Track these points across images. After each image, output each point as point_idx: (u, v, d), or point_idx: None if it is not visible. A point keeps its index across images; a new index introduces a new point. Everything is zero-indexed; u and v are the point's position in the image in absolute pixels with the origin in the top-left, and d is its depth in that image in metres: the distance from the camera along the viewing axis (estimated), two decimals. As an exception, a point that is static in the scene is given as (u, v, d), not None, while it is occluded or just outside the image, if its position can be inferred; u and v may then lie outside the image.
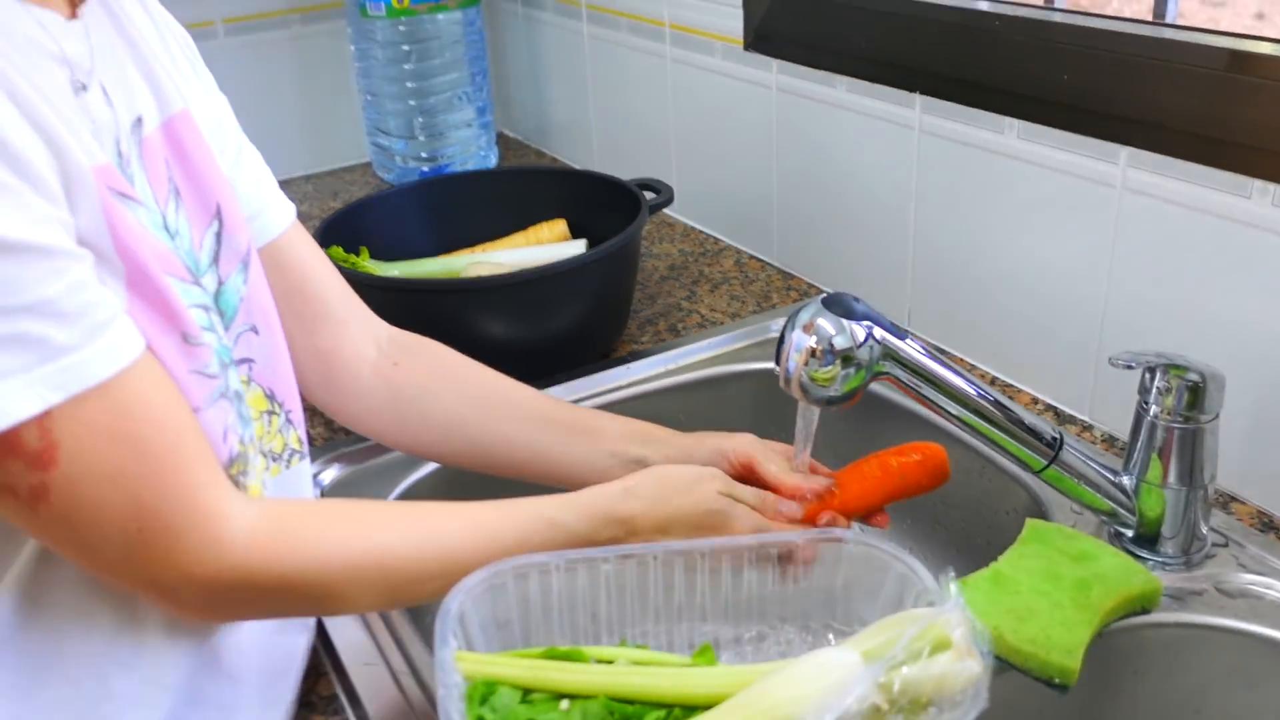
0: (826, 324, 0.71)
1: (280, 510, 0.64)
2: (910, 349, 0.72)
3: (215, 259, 0.69)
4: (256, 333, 0.72)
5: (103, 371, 0.54)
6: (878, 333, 0.71)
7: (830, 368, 0.72)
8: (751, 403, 1.09)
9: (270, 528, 0.61)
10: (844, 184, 1.18)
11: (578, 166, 1.68)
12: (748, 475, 0.77)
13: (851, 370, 0.72)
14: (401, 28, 1.59)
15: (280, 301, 0.76)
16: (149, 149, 0.66)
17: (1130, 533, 0.77)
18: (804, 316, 0.72)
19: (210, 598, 0.60)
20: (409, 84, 1.63)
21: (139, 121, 0.66)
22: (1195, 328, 0.85)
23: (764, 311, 1.20)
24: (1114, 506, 0.76)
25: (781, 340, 0.73)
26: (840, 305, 0.72)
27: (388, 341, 0.84)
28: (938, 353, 0.74)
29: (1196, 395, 0.71)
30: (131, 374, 0.55)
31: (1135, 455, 0.75)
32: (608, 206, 1.20)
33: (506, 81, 1.86)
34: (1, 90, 0.53)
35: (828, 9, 1.14)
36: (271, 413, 0.73)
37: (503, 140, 1.86)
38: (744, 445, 0.78)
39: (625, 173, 1.25)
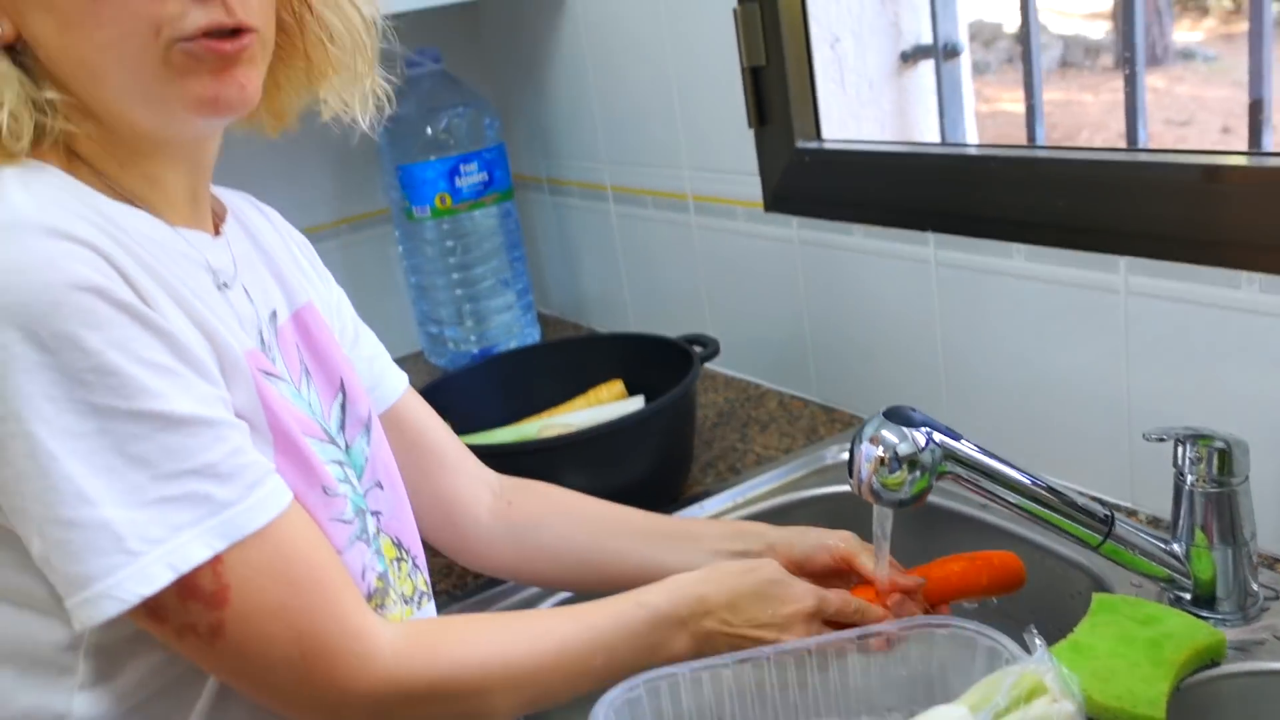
0: (890, 434, 0.81)
1: (418, 625, 0.74)
2: (967, 448, 0.82)
3: (342, 425, 0.81)
4: (382, 488, 0.82)
5: (260, 520, 0.63)
6: (937, 437, 0.81)
7: (898, 473, 0.81)
8: (823, 523, 1.17)
9: (411, 640, 0.70)
10: (872, 319, 1.29)
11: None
12: (845, 568, 0.85)
13: (918, 474, 0.81)
14: (445, 226, 1.75)
15: (402, 456, 0.87)
16: (283, 337, 0.78)
17: (1188, 595, 0.85)
18: (869, 430, 0.82)
19: (369, 710, 0.68)
20: (455, 275, 1.78)
21: (274, 315, 0.78)
22: (1213, 406, 0.94)
23: (814, 444, 1.29)
24: (1169, 572, 0.84)
25: (851, 455, 0.83)
26: (900, 416, 0.82)
27: (499, 484, 0.94)
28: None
29: (1225, 461, 0.80)
30: (284, 521, 0.65)
31: (1180, 522, 0.84)
32: (659, 363, 1.31)
33: (539, 263, 2.01)
34: (165, 293, 0.65)
35: (838, 167, 1.29)
36: (400, 559, 0.83)
37: (540, 317, 1.99)
38: (845, 539, 0.87)
39: (664, 333, 1.37)
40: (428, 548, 0.89)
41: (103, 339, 0.59)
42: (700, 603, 0.78)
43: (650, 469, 1.20)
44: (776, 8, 1.30)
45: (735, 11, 1.33)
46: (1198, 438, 0.81)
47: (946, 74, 1.42)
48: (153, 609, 0.61)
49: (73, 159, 0.68)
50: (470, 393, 1.35)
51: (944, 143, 1.35)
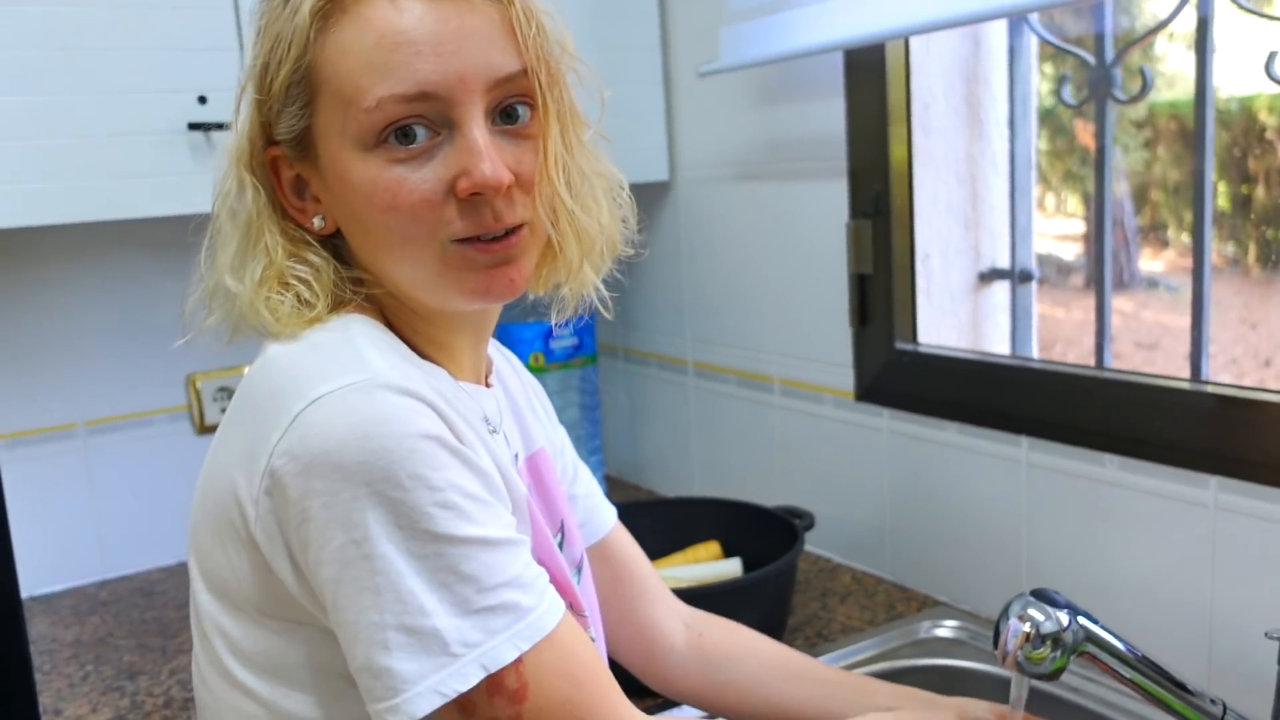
0: (1037, 612, 0.93)
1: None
2: (1104, 632, 0.93)
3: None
4: (588, 619, 0.92)
5: (552, 622, 0.73)
6: (1080, 620, 0.92)
7: (1041, 649, 0.92)
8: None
9: None
10: (957, 509, 1.42)
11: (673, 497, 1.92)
12: None
13: (1059, 652, 0.92)
14: (533, 382, 1.87)
15: (607, 585, 0.97)
16: (521, 478, 0.89)
17: (1285, 784, 0.95)
18: (1017, 607, 0.93)
19: None
20: (536, 428, 1.89)
21: (515, 457, 0.89)
22: (1294, 617, 1.07)
23: (899, 617, 1.40)
24: (1270, 761, 0.95)
25: (998, 628, 0.94)
26: (1045, 597, 0.94)
27: (690, 616, 1.04)
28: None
29: (1327, 663, 0.92)
30: (565, 624, 0.74)
31: (1281, 716, 0.95)
32: (753, 530, 1.43)
33: (605, 424, 2.13)
34: (475, 438, 0.76)
35: (936, 369, 1.44)
36: None
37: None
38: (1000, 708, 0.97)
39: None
40: (618, 669, 0.97)
41: (443, 479, 0.70)
42: None
43: (754, 626, 1.30)
44: (889, 224, 1.47)
45: (849, 225, 1.51)
46: (1304, 639, 0.93)
47: (1019, 295, 1.59)
48: (463, 705, 0.69)
49: (404, 310, 0.81)
50: (581, 541, 1.44)
51: (1042, 359, 1.51)
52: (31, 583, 1.67)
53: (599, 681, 0.75)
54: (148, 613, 1.62)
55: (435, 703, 0.68)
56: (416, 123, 0.72)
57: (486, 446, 0.78)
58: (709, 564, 1.44)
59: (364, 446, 0.68)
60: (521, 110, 0.76)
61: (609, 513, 1.04)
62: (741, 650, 1.04)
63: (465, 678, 0.69)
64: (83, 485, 1.75)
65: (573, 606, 0.83)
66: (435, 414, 0.71)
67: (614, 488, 2.06)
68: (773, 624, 1.33)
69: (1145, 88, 1.36)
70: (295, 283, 0.77)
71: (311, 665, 0.74)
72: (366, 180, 0.73)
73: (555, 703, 0.72)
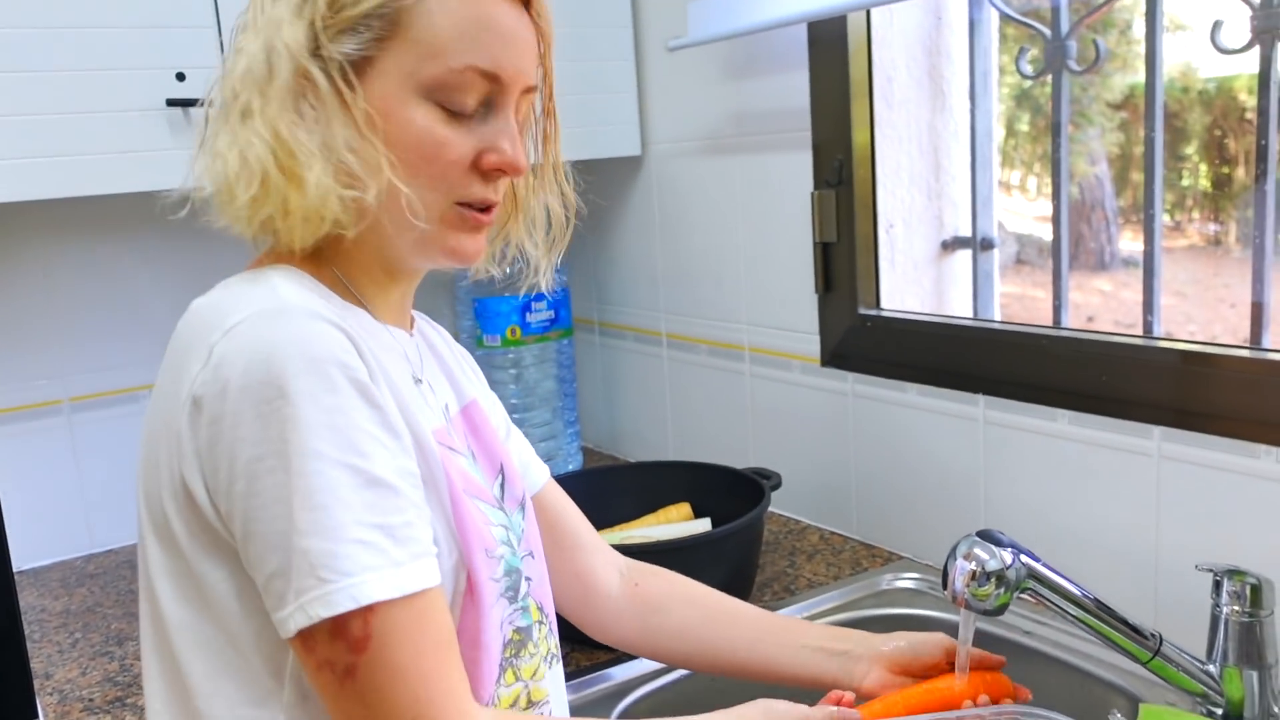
0: (982, 551, 0.97)
1: (503, 714, 0.84)
2: (1046, 569, 0.98)
3: (501, 501, 0.95)
4: (533, 557, 0.96)
5: (415, 585, 0.74)
6: (1023, 558, 0.97)
7: (986, 586, 0.97)
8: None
9: None
10: (918, 468, 1.47)
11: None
12: (947, 658, 1.01)
13: (1003, 588, 0.97)
14: (511, 355, 1.91)
15: (545, 536, 1.01)
16: (454, 426, 0.93)
17: (1220, 711, 1.00)
18: (963, 547, 0.98)
19: None
20: (514, 401, 1.93)
21: (446, 408, 0.93)
22: (1232, 559, 1.12)
23: (863, 572, 1.45)
24: (1205, 689, 1.00)
25: (946, 567, 0.99)
26: (990, 537, 0.98)
27: (626, 566, 1.09)
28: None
29: (1256, 595, 0.97)
30: (430, 595, 0.75)
31: (1216, 647, 1.00)
32: (724, 491, 1.47)
33: (581, 396, 2.18)
34: (382, 377, 0.79)
35: (897, 332, 1.49)
36: (541, 622, 0.96)
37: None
38: (937, 636, 1.03)
39: (724, 465, 1.54)
40: (561, 621, 1.02)
41: (334, 402, 0.73)
42: None
43: (720, 583, 1.33)
44: (851, 194, 1.52)
45: (813, 195, 1.55)
46: (1235, 573, 0.98)
47: (981, 263, 1.64)
48: (306, 638, 0.72)
49: (320, 264, 0.85)
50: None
51: (1001, 320, 1.56)
52: (19, 558, 1.71)
53: (446, 663, 0.76)
54: (134, 584, 1.66)
55: (301, 622, 0.71)
56: (474, 96, 0.82)
57: (403, 391, 0.81)
58: (679, 524, 1.48)
59: (267, 367, 0.72)
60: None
61: (541, 471, 1.08)
62: (676, 597, 1.08)
63: (332, 604, 0.70)
64: (68, 461, 1.78)
65: (488, 550, 0.86)
66: (343, 336, 0.75)
67: (590, 458, 2.11)
68: (741, 580, 1.38)
69: (1098, 59, 1.40)
70: (350, 179, 0.79)
71: (236, 593, 0.77)
72: (417, 126, 0.80)
73: (396, 666, 0.73)
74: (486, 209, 0.85)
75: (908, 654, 1.02)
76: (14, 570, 1.22)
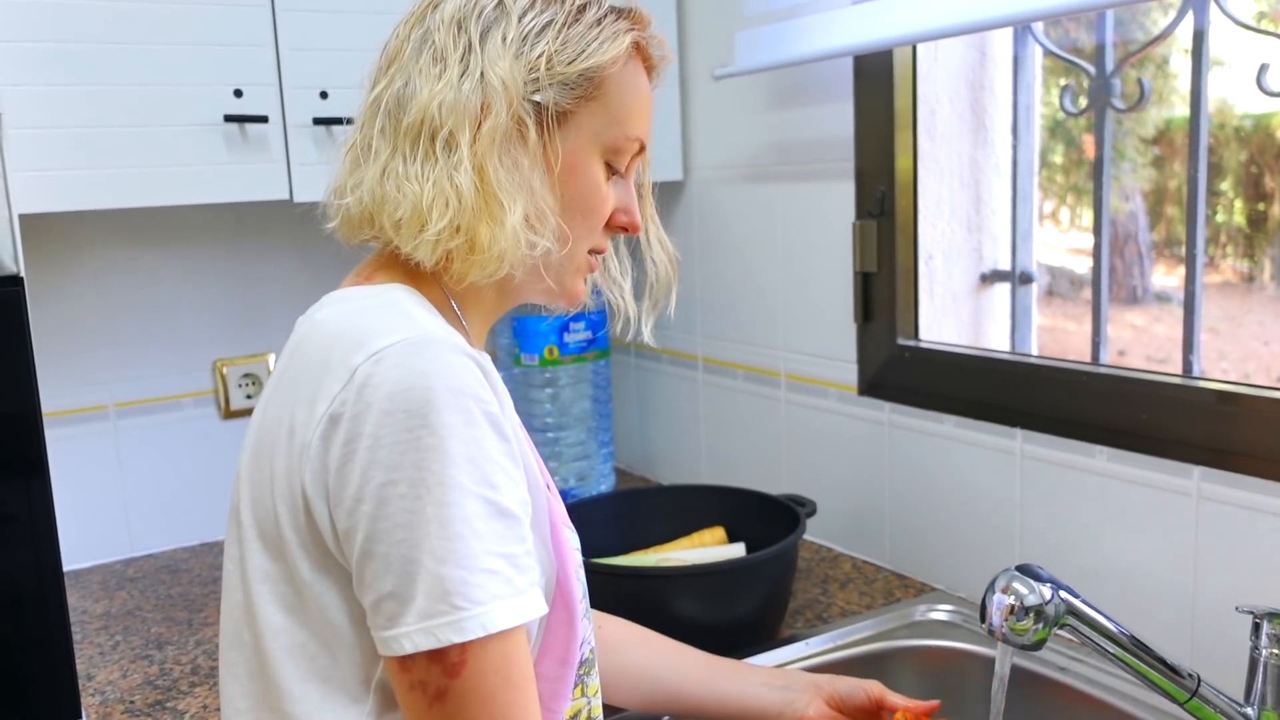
0: (1021, 586, 0.98)
1: None
2: (1085, 606, 0.98)
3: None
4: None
5: (534, 613, 0.76)
6: (1062, 594, 0.98)
7: (1025, 621, 0.98)
8: (918, 672, 1.32)
9: None
10: (954, 499, 1.47)
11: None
12: (876, 707, 1.08)
13: (1041, 624, 0.98)
14: (546, 374, 1.93)
15: None
16: None
17: (1256, 754, 1.00)
18: (1002, 581, 0.99)
19: None
20: (549, 420, 1.95)
21: None
22: (1274, 599, 1.12)
23: (895, 603, 1.45)
24: (1242, 732, 1.00)
25: (984, 601, 0.99)
26: (1030, 572, 0.99)
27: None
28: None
29: (1297, 639, 0.97)
30: (522, 630, 0.77)
31: (1254, 690, 1.00)
32: (758, 517, 1.48)
33: (616, 418, 2.19)
34: (502, 407, 0.81)
35: (936, 364, 1.49)
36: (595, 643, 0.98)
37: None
38: (876, 685, 1.10)
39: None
40: None
41: (473, 435, 0.75)
42: None
43: (755, 609, 1.35)
44: (893, 224, 1.53)
45: (855, 225, 1.56)
46: (1276, 616, 0.98)
47: (1019, 297, 1.65)
48: (405, 659, 0.74)
49: (433, 281, 0.87)
50: (591, 521, 1.50)
51: (1039, 355, 1.56)
52: (63, 559, 1.74)
53: (527, 694, 0.78)
54: (174, 589, 1.68)
55: (429, 644, 0.73)
56: (628, 160, 0.90)
57: (511, 420, 0.84)
58: (713, 548, 1.49)
59: (410, 396, 0.73)
60: None
61: None
62: (633, 640, 1.12)
63: (463, 631, 0.73)
64: (113, 465, 1.81)
65: (577, 576, 0.89)
66: (481, 374, 0.77)
67: (624, 480, 2.12)
68: (774, 607, 1.39)
69: (1143, 97, 1.41)
70: (539, 227, 0.84)
71: (338, 605, 0.79)
72: (594, 180, 0.88)
73: (483, 691, 0.75)
74: (597, 255, 0.92)
75: (843, 693, 1.10)
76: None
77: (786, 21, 1.56)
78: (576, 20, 0.86)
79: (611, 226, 0.91)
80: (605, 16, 0.87)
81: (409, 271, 0.86)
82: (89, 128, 1.42)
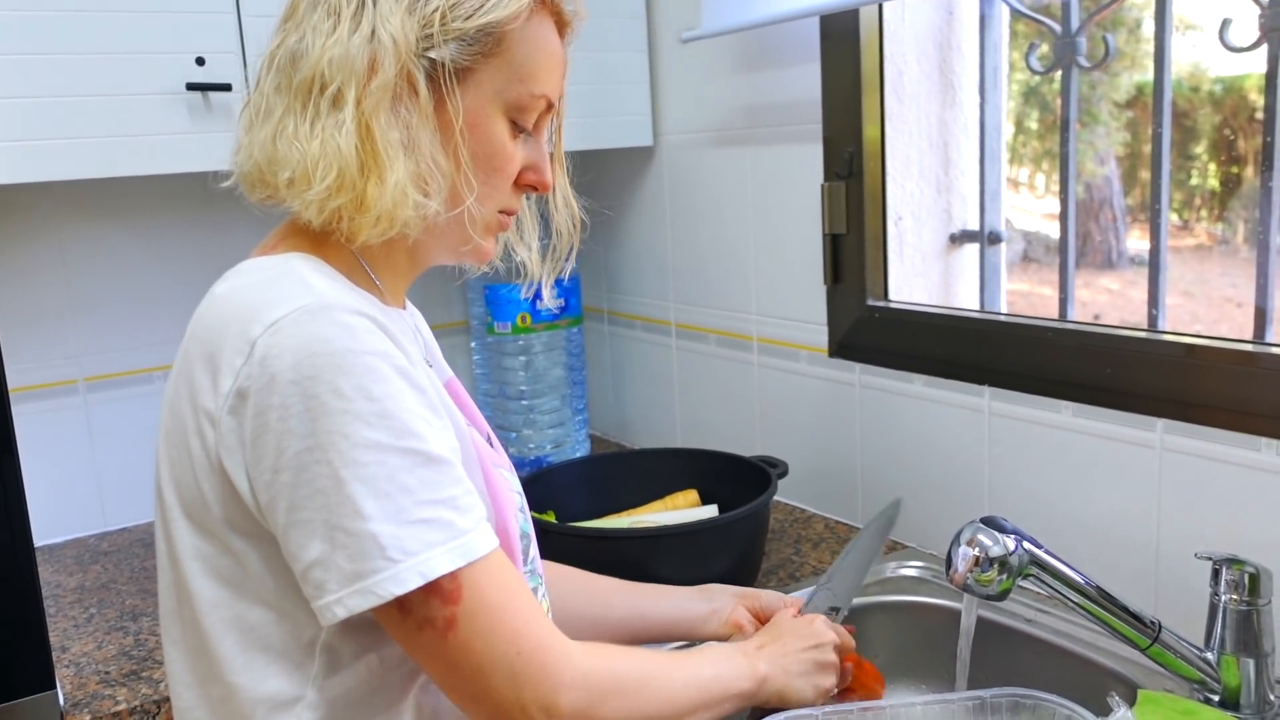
0: (985, 538, 0.99)
1: (589, 644, 0.87)
2: (1048, 556, 1.00)
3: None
4: (527, 518, 1.00)
5: (484, 549, 0.79)
6: (1025, 545, 0.99)
7: (989, 572, 0.99)
8: (889, 628, 1.33)
9: (589, 645, 0.85)
10: (924, 458, 1.49)
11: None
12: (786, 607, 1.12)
13: (1005, 574, 0.99)
14: (521, 342, 1.93)
15: None
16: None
17: (1216, 698, 1.02)
18: (967, 533, 1.00)
19: (574, 697, 0.81)
20: (523, 388, 1.95)
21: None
22: (1234, 547, 1.13)
23: (867, 561, 1.46)
24: (1203, 676, 1.02)
25: (950, 553, 1.01)
26: (994, 524, 1.00)
27: None
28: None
29: (1254, 583, 0.99)
30: (498, 553, 0.80)
31: (1214, 634, 1.02)
32: (731, 478, 1.49)
33: (590, 384, 2.19)
34: (411, 361, 0.81)
35: (904, 324, 1.50)
36: (540, 584, 1.00)
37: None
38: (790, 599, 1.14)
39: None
40: None
41: (383, 390, 0.76)
42: (758, 639, 1.03)
43: (728, 568, 1.36)
44: (861, 186, 1.53)
45: (823, 187, 1.57)
46: (1234, 562, 1.00)
47: (988, 257, 1.66)
48: (402, 603, 0.76)
49: (340, 246, 0.86)
50: (564, 486, 1.51)
51: (1007, 312, 1.58)
52: (36, 534, 1.73)
53: (531, 601, 0.81)
54: (148, 561, 1.68)
55: (371, 602, 0.74)
56: (534, 118, 0.89)
57: (423, 371, 0.84)
58: (686, 510, 1.50)
59: (314, 362, 0.74)
60: None
61: None
62: (552, 576, 1.12)
63: (402, 582, 0.74)
64: (84, 440, 1.80)
65: (512, 517, 0.91)
66: (381, 331, 0.78)
67: (598, 445, 2.13)
68: (747, 566, 1.40)
69: (1108, 55, 1.41)
70: (426, 186, 0.83)
71: (272, 573, 0.80)
72: (498, 137, 0.87)
73: (489, 604, 0.78)
74: (508, 215, 0.92)
75: (765, 601, 1.14)
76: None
77: (752, -17, 1.55)
78: None
79: (520, 185, 0.90)
80: None
81: (313, 238, 0.86)
82: (49, 98, 1.40)
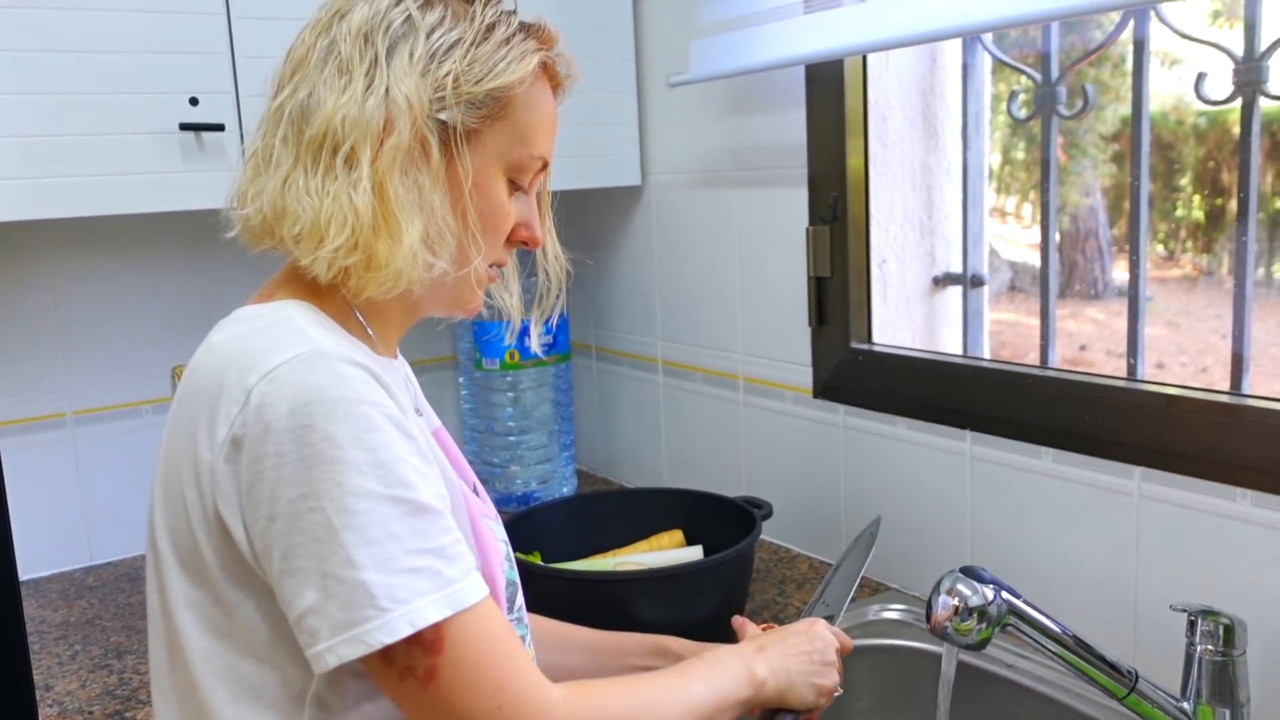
0: (964, 588, 1.00)
1: (574, 684, 0.88)
2: (1027, 606, 1.01)
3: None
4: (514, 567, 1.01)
5: (474, 598, 0.79)
6: (1004, 595, 1.00)
7: (969, 621, 1.00)
8: (873, 671, 1.34)
9: (575, 691, 0.85)
10: (907, 500, 1.50)
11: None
12: None
13: (985, 624, 1.00)
14: (509, 379, 1.95)
15: None
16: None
17: (1193, 747, 1.03)
18: (946, 583, 1.01)
19: None
20: (510, 424, 1.96)
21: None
22: (1207, 597, 1.15)
23: (850, 602, 1.47)
24: (1179, 726, 1.03)
25: (929, 602, 1.02)
26: (973, 574, 1.02)
27: None
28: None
29: (1229, 635, 1.00)
30: (487, 603, 0.81)
31: (1190, 684, 1.03)
32: (716, 519, 1.50)
33: (578, 420, 2.21)
34: (402, 410, 0.82)
35: (888, 367, 1.52)
36: (527, 633, 1.01)
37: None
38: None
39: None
40: None
41: (377, 440, 0.77)
42: (758, 641, 1.02)
43: (713, 610, 1.37)
44: (845, 229, 1.56)
45: (808, 230, 1.59)
46: (1209, 614, 1.01)
47: (971, 300, 1.68)
48: (385, 651, 0.76)
49: (334, 295, 0.87)
50: (550, 526, 1.52)
51: (989, 358, 1.59)
52: (19, 568, 1.73)
53: (517, 651, 0.81)
54: (134, 597, 1.68)
55: (360, 650, 0.74)
56: (530, 177, 0.91)
57: (414, 420, 0.86)
58: (671, 551, 1.51)
59: (309, 410, 0.75)
60: None
61: None
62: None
63: (392, 631, 0.75)
64: (71, 473, 1.81)
65: (499, 569, 0.91)
66: (375, 381, 0.79)
67: (585, 482, 2.14)
68: (731, 608, 1.40)
69: (1087, 104, 1.44)
70: (436, 247, 0.85)
71: (265, 624, 0.80)
72: (498, 197, 0.89)
73: (472, 656, 0.78)
74: (497, 268, 0.94)
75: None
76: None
77: (740, 31, 1.58)
78: (485, 39, 0.86)
79: (512, 240, 0.93)
80: (514, 35, 0.88)
81: (309, 286, 0.87)
82: (44, 136, 1.41)
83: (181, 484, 0.81)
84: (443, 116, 0.84)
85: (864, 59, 1.55)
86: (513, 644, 0.82)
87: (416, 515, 0.77)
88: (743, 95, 1.70)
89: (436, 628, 0.77)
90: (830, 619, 1.14)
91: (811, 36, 1.46)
